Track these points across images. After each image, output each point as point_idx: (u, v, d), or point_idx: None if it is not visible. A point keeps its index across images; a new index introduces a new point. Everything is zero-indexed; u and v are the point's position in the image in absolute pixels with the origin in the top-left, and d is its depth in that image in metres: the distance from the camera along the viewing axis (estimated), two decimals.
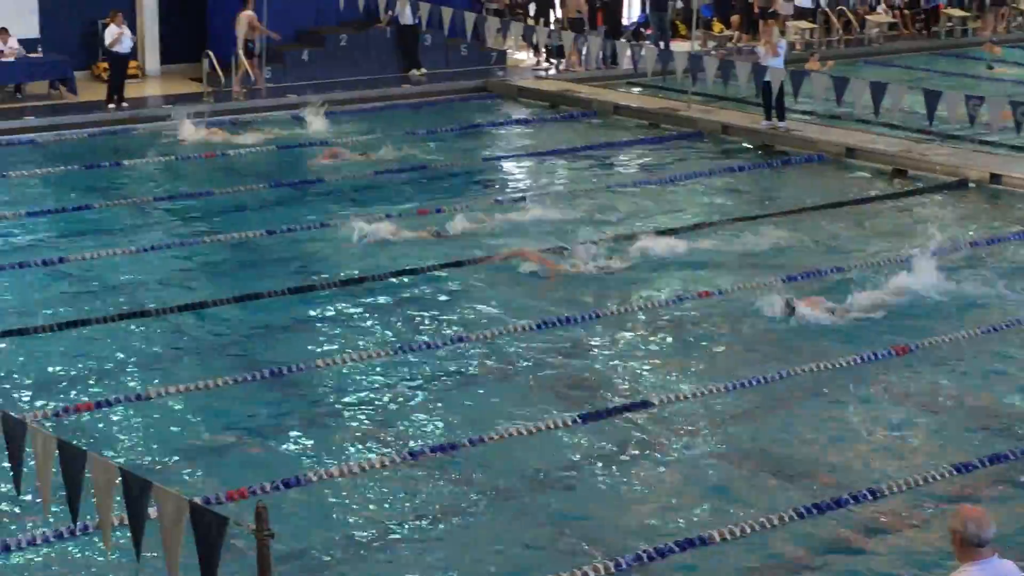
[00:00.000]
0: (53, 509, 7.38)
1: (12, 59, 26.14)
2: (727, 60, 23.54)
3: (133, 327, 13.92)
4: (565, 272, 15.55)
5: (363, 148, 22.46)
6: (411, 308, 14.63)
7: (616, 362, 13.14)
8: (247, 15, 26.84)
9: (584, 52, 29.04)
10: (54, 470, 6.45)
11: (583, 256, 15.89)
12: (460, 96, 27.88)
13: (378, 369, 12.88)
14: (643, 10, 33.67)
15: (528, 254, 16.01)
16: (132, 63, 27.32)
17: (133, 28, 27.04)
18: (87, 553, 9.23)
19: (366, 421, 11.78)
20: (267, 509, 5.76)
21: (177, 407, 11.93)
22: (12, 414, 6.73)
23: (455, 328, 13.91)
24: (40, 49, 26.82)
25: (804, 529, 9.85)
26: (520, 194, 20.10)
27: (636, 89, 28.23)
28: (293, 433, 11.49)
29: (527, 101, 27.46)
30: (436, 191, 20.26)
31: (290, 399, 12.20)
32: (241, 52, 26.75)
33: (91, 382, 12.52)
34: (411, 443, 11.22)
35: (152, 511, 6.08)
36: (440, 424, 11.70)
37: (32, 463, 6.72)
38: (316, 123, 24.34)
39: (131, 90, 26.17)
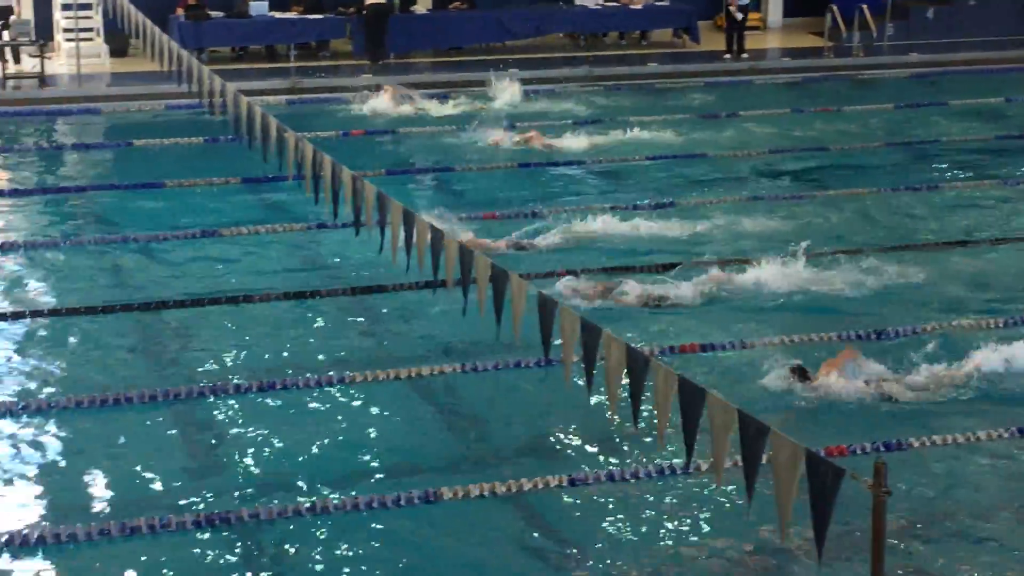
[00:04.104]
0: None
1: (640, 7, 26.98)
2: None
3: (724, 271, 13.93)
4: None
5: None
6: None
7: None
8: None
9: None
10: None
11: None
12: None
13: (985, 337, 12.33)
14: None
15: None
16: (754, 15, 27.55)
17: None
18: (698, 490, 9.41)
19: (971, 390, 11.31)
20: (886, 466, 5.65)
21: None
22: (636, 347, 6.90)
23: None
24: None
25: None
26: None
27: None
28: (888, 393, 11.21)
29: None
30: None
31: (895, 361, 11.89)
32: None
33: (696, 324, 12.69)
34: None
35: (767, 456, 6.10)
36: None
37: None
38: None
39: (752, 42, 26.42)
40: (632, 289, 13.06)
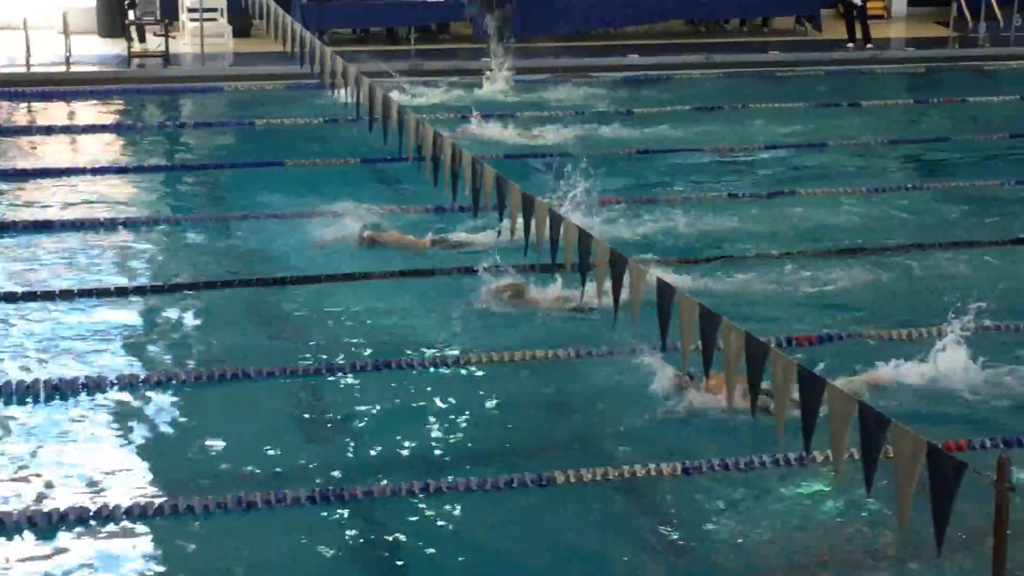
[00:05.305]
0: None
1: None
2: None
3: (840, 262, 13.85)
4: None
5: None
6: None
7: None
8: None
9: None
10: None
11: None
12: None
13: None
14: None
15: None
16: (876, 4, 27.19)
17: None
18: (814, 482, 9.34)
19: None
20: (1009, 461, 5.57)
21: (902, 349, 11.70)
22: (757, 336, 6.85)
23: None
24: None
25: None
26: None
27: None
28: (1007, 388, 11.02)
29: None
30: None
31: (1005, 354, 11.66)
32: None
33: (813, 314, 12.58)
34: None
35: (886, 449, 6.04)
36: None
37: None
38: None
39: (875, 31, 26.08)
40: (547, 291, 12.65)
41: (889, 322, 12.20)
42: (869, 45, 25.38)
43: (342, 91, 13.53)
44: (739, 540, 8.64)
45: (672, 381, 10.39)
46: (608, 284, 8.42)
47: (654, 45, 25.58)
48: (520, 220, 9.56)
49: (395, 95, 20.20)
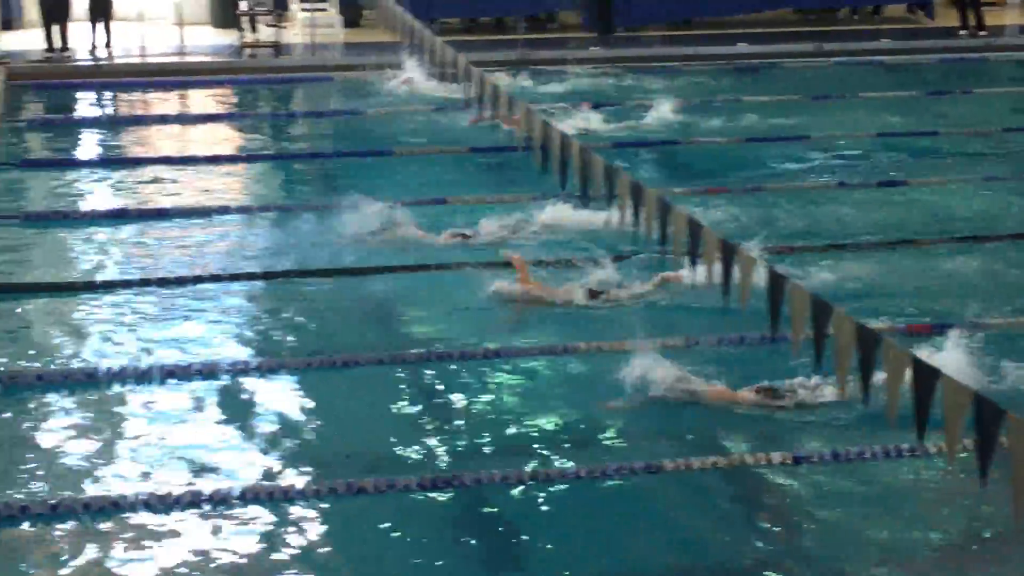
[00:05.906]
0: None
1: None
2: None
3: (952, 251, 13.70)
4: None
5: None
6: None
7: None
8: None
9: None
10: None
11: None
12: None
13: None
14: None
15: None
16: None
17: None
18: (926, 472, 9.29)
19: None
20: None
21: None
22: (867, 325, 6.79)
23: None
24: None
25: None
26: None
27: None
28: None
29: None
30: None
31: None
32: None
33: (924, 304, 12.44)
34: None
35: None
36: None
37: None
38: None
39: (990, 18, 25.72)
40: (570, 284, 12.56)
41: (1003, 311, 12.04)
42: (982, 32, 24.99)
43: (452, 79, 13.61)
44: (848, 530, 8.58)
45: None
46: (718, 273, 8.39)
47: (763, 34, 25.40)
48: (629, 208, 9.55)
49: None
